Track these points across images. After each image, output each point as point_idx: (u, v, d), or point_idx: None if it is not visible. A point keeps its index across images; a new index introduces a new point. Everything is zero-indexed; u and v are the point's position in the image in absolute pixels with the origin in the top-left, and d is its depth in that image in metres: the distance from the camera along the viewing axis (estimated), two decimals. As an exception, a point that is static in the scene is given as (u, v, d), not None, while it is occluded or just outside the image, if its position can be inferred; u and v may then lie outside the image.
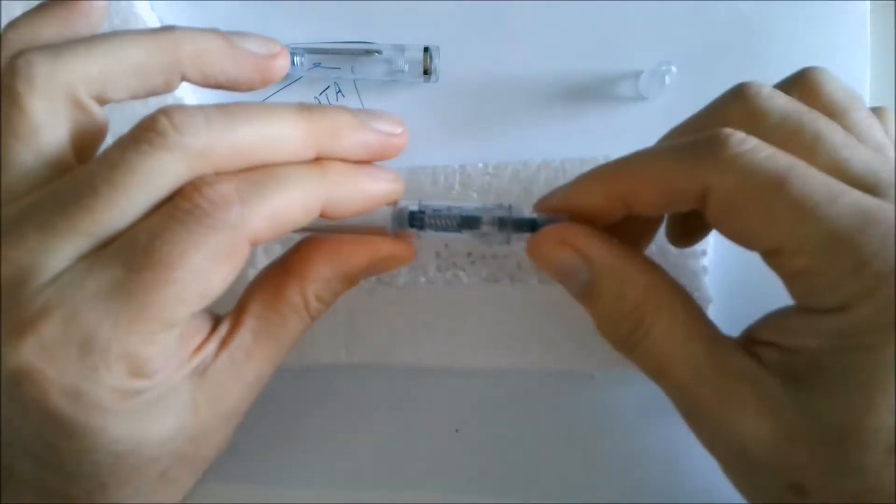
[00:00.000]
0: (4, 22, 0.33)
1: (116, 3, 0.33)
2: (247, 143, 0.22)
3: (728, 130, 0.21)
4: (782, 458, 0.20)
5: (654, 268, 0.23)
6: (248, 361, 0.24)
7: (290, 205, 0.22)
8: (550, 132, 0.34)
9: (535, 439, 0.32)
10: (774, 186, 0.20)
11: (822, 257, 0.20)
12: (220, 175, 0.21)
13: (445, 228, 0.26)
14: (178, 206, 0.20)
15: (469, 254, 0.32)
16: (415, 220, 0.25)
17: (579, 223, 0.24)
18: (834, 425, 0.20)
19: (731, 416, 0.21)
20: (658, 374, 0.23)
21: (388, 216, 0.25)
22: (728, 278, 0.31)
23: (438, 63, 0.33)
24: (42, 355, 0.19)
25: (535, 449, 0.32)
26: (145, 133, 0.21)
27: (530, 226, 0.25)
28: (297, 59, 0.34)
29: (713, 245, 0.31)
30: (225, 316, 0.25)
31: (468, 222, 0.26)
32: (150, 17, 0.34)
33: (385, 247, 0.26)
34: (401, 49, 0.33)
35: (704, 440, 0.23)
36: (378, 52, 0.33)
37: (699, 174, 0.21)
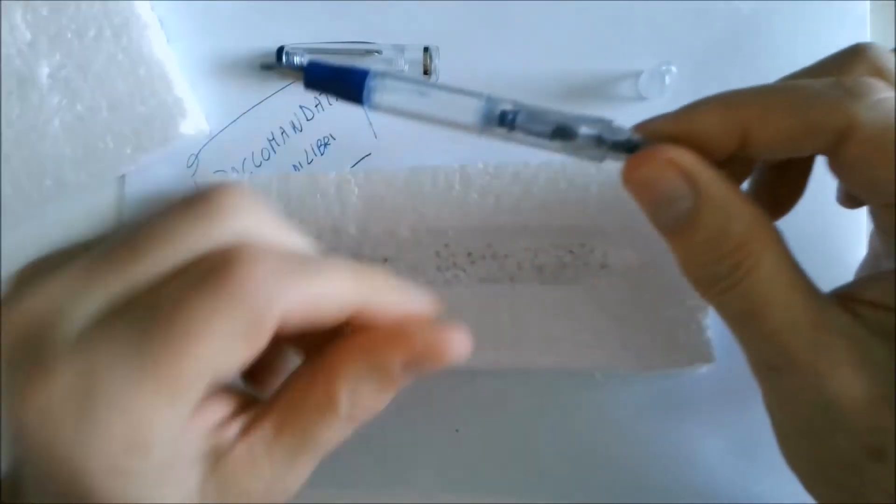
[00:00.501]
0: (4, 22, 0.33)
1: (116, 3, 0.33)
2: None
3: (872, 79, 0.21)
4: (871, 419, 0.20)
5: (758, 206, 0.22)
6: (267, 458, 0.21)
7: (324, 294, 0.20)
8: (550, 132, 0.34)
9: (535, 439, 0.32)
10: None
11: None
12: (259, 250, 0.20)
13: (537, 134, 0.23)
14: (209, 276, 0.19)
15: (469, 253, 0.32)
16: (505, 119, 0.23)
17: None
18: None
19: (824, 371, 0.20)
20: (749, 318, 0.22)
21: (475, 113, 0.23)
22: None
23: (438, 63, 0.33)
24: (43, 416, 0.18)
25: (535, 449, 0.32)
26: (201, 204, 0.20)
27: (630, 148, 0.23)
28: (297, 59, 0.34)
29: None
30: (259, 402, 0.23)
31: (563, 131, 0.23)
32: (150, 17, 0.34)
33: (424, 338, 0.22)
34: (401, 49, 0.33)
35: (780, 395, 0.22)
36: (378, 52, 0.33)
37: (846, 109, 0.20)
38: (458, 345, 0.22)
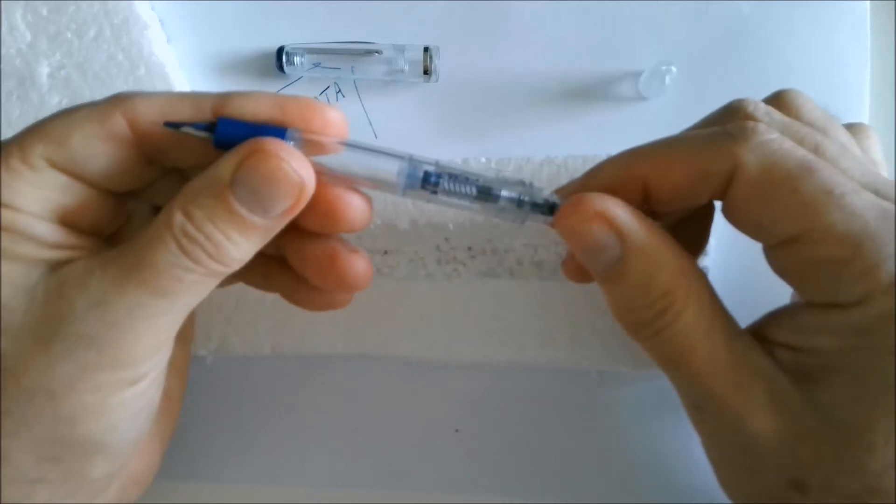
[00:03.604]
0: (4, 22, 0.33)
1: (116, 3, 0.33)
2: None
3: (754, 122, 0.22)
4: (788, 456, 0.21)
5: (684, 253, 0.23)
6: (100, 271, 0.21)
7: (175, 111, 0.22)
8: (551, 132, 0.34)
9: (535, 439, 0.32)
10: (804, 171, 0.21)
11: (848, 246, 0.20)
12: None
13: (459, 196, 0.23)
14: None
15: (469, 248, 0.32)
16: (429, 181, 0.23)
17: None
18: (844, 426, 0.20)
19: (743, 411, 0.21)
20: (675, 363, 0.22)
21: (397, 174, 0.23)
22: (728, 278, 0.31)
23: (438, 63, 0.33)
24: None
25: (535, 449, 0.32)
26: None
27: (549, 209, 0.24)
28: (297, 59, 0.34)
29: (713, 245, 0.31)
30: None
31: (485, 195, 0.23)
32: (150, 17, 0.34)
33: (250, 143, 0.21)
34: (401, 49, 0.33)
35: (708, 433, 0.23)
36: (378, 52, 0.33)
37: (732, 153, 0.21)
38: (278, 147, 0.21)
